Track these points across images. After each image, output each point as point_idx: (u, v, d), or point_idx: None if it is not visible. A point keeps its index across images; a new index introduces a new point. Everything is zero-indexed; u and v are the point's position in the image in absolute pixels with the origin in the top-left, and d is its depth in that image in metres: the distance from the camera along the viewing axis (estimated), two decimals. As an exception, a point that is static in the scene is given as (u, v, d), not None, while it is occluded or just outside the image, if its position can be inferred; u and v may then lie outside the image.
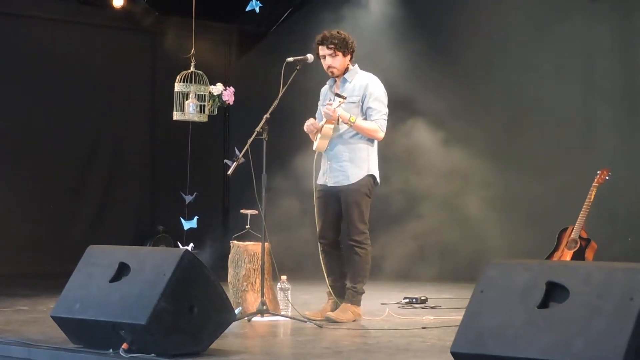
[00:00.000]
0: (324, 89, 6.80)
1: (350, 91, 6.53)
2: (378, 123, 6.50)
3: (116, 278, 5.07)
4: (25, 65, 10.35)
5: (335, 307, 6.59)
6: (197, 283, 4.92)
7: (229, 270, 6.87)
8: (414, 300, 7.51)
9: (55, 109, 10.60)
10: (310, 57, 6.63)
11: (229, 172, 6.54)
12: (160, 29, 11.18)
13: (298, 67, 6.58)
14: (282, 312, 6.60)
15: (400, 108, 9.34)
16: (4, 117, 10.24)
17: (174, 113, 8.25)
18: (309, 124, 6.61)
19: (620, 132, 9.11)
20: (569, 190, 8.88)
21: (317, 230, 6.62)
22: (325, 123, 6.47)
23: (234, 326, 5.60)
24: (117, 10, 10.60)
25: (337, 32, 6.58)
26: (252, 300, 6.67)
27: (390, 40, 10.41)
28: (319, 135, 6.50)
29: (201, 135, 9.45)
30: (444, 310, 7.15)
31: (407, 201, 10.06)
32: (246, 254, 6.77)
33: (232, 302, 5.86)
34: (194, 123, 8.42)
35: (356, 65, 6.65)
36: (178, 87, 8.23)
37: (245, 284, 6.75)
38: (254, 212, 6.83)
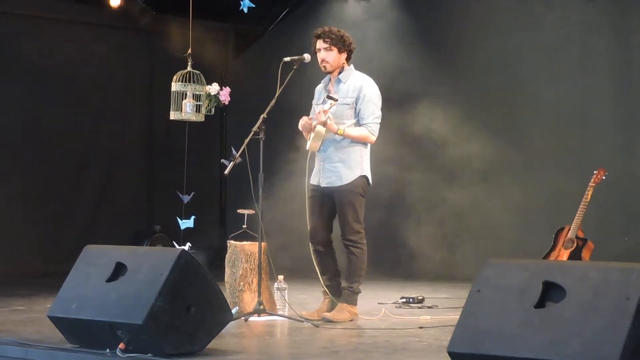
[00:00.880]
0: (319, 88, 6.79)
1: (344, 92, 6.53)
2: (369, 128, 6.49)
3: (113, 278, 5.07)
4: (21, 65, 10.33)
5: (331, 307, 6.60)
6: (194, 283, 4.91)
7: (226, 270, 6.87)
8: (410, 300, 7.51)
9: (52, 109, 10.58)
10: (307, 56, 6.63)
11: (226, 171, 6.54)
12: (158, 28, 11.16)
13: (295, 67, 6.58)
14: (279, 312, 6.60)
15: (397, 107, 9.37)
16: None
17: (171, 112, 8.25)
18: (303, 122, 6.61)
19: (616, 132, 9.11)
20: (565, 190, 8.89)
21: (309, 230, 6.64)
22: (317, 124, 6.47)
23: (231, 326, 5.61)
24: (114, 10, 10.58)
25: (337, 30, 6.59)
26: (249, 300, 6.68)
27: (389, 39, 10.41)
28: (312, 135, 6.50)
29: (198, 135, 9.45)
30: (441, 310, 7.15)
31: (404, 201, 10.07)
32: (243, 253, 6.77)
33: (229, 301, 5.85)
34: (191, 122, 8.42)
35: (352, 66, 6.64)
36: (175, 86, 8.23)
37: (242, 283, 6.75)
38: (251, 211, 6.83)
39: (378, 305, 7.31)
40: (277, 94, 6.47)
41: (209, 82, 8.18)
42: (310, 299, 7.28)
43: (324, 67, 6.57)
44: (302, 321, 6.31)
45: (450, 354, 4.04)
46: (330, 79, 6.65)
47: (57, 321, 5.20)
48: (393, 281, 9.26)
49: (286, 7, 11.51)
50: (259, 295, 6.42)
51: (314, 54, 6.60)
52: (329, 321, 6.38)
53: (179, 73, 8.28)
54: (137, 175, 11.49)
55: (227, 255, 6.90)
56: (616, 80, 9.15)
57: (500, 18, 9.90)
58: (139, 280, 4.90)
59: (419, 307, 7.33)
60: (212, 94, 8.01)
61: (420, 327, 6.15)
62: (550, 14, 9.51)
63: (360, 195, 6.54)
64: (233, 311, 5.89)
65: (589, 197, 7.47)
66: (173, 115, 8.23)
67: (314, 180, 6.65)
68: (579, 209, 7.45)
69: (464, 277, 8.52)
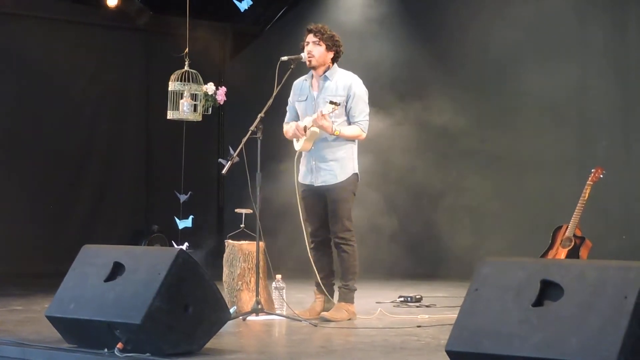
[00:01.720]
0: (298, 82, 6.77)
1: (332, 90, 6.55)
2: (361, 125, 6.55)
3: (111, 277, 5.06)
4: (19, 64, 10.33)
5: (324, 306, 6.61)
6: (192, 282, 4.91)
7: (224, 269, 6.87)
8: (408, 299, 7.51)
9: (49, 108, 10.58)
10: (304, 56, 6.63)
11: (224, 171, 6.54)
12: (155, 28, 11.17)
13: (292, 66, 6.58)
14: (277, 311, 6.60)
15: (394, 106, 9.37)
16: (-3, 116, 10.24)
17: (169, 112, 8.25)
18: (294, 131, 6.59)
19: (614, 131, 9.12)
20: (563, 189, 8.89)
21: (304, 228, 6.65)
22: (311, 126, 6.48)
23: (229, 325, 5.60)
24: (111, 9, 10.59)
25: (330, 29, 6.62)
26: (247, 299, 6.68)
27: (384, 38, 10.41)
28: (303, 137, 6.52)
29: (195, 135, 9.44)
30: (439, 309, 7.15)
31: (402, 199, 10.07)
32: (241, 253, 6.78)
33: (227, 301, 5.86)
34: (188, 122, 8.42)
35: (336, 65, 6.65)
36: (172, 86, 8.23)
37: (240, 283, 6.75)
38: (249, 211, 6.83)
39: (376, 304, 7.30)
40: (274, 93, 6.48)
41: (207, 82, 8.18)
42: (308, 298, 7.27)
43: (310, 60, 6.58)
44: (300, 320, 6.32)
45: (449, 352, 4.04)
46: (312, 75, 6.66)
47: (55, 321, 5.20)
48: (391, 280, 9.27)
49: (283, 7, 11.51)
50: (257, 295, 6.42)
51: (302, 48, 6.61)
52: (327, 320, 6.38)
53: (177, 72, 8.27)
54: (135, 174, 11.49)
55: (225, 255, 6.90)
56: (614, 79, 9.15)
57: (497, 18, 9.88)
58: (137, 280, 4.90)
59: (417, 306, 7.34)
60: (209, 93, 8.01)
61: (418, 326, 6.16)
62: (550, 14, 9.51)
63: (353, 193, 6.62)
64: (231, 310, 5.89)
65: (587, 195, 7.47)
66: (170, 115, 8.23)
67: (305, 180, 6.66)
68: (577, 208, 7.45)
69: (461, 275, 8.52)
